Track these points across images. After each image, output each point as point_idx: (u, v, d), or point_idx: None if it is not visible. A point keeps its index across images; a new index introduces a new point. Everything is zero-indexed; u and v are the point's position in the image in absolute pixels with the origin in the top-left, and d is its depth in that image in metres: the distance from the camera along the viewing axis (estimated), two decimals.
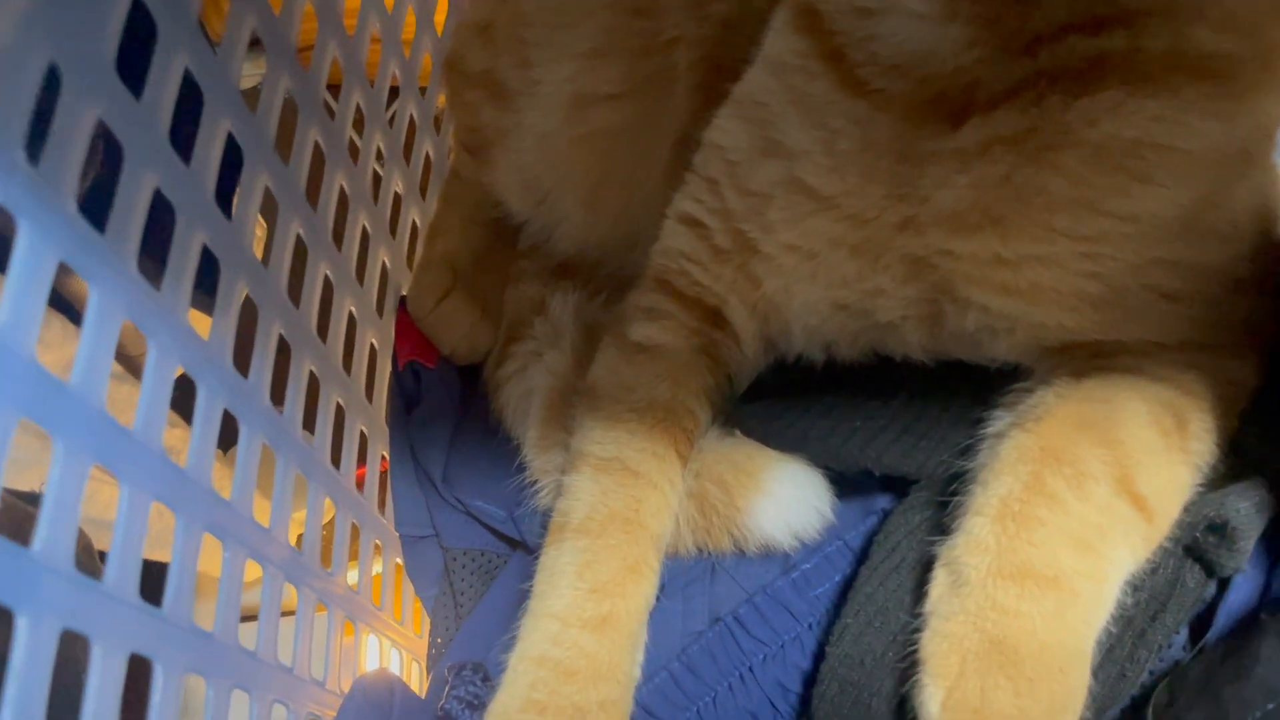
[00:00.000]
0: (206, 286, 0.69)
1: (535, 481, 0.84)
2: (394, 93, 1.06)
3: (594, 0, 0.88)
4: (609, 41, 0.87)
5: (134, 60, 0.61)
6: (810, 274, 0.70)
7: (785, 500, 0.77)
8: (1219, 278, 0.66)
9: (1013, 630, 0.60)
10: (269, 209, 0.80)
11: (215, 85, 0.69)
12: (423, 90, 1.12)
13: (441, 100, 1.17)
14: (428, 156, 1.14)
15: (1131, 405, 0.65)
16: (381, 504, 0.98)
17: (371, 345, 0.99)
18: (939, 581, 0.65)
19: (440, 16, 1.14)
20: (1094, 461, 0.62)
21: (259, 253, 0.76)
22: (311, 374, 0.84)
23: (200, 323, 0.67)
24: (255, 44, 0.77)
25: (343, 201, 0.92)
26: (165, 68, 0.62)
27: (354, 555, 0.92)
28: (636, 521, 0.72)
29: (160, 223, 0.63)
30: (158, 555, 0.64)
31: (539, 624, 0.70)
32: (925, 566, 0.70)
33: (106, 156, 0.61)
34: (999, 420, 0.69)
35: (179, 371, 0.65)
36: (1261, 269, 0.68)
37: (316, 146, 0.85)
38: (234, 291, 0.72)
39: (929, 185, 0.61)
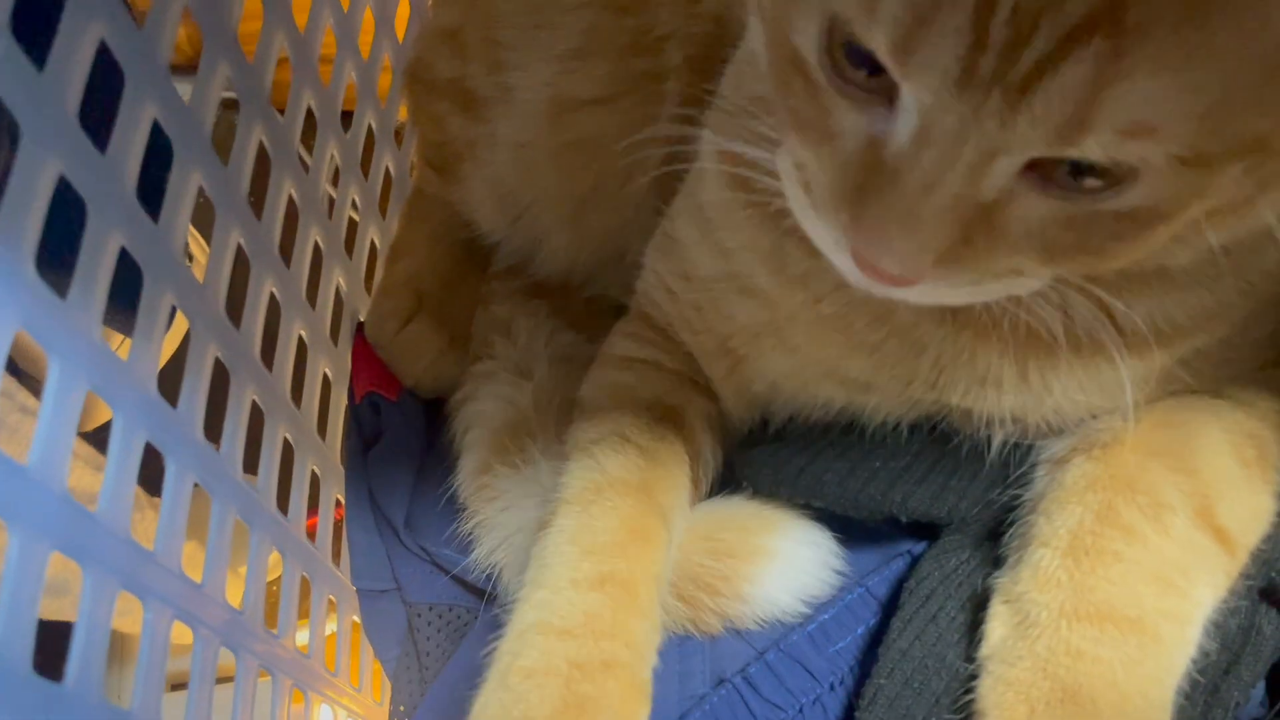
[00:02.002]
0: (125, 299, 0.59)
1: (474, 525, 0.77)
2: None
3: None
4: (593, 42, 0.81)
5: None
6: (804, 386, 0.68)
7: (796, 565, 0.70)
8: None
9: (1089, 677, 0.55)
10: (204, 216, 0.70)
11: (139, 62, 0.59)
12: (382, 99, 1.03)
13: (403, 113, 1.08)
14: (388, 171, 1.05)
15: (1209, 432, 0.60)
16: (336, 554, 0.88)
17: (325, 375, 0.89)
18: (1000, 620, 0.59)
19: (401, 21, 1.05)
20: (1171, 490, 0.58)
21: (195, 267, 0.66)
22: (254, 405, 0.74)
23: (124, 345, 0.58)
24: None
25: (291, 212, 0.83)
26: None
27: (304, 613, 0.82)
28: (639, 486, 0.65)
29: (65, 218, 0.53)
30: (62, 615, 0.55)
31: (528, 600, 0.61)
32: (967, 616, 0.64)
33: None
34: (1058, 444, 0.63)
35: (88, 394, 0.54)
36: None
37: (261, 148, 0.76)
38: (158, 304, 0.62)
39: (927, 367, 0.60)
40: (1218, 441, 0.60)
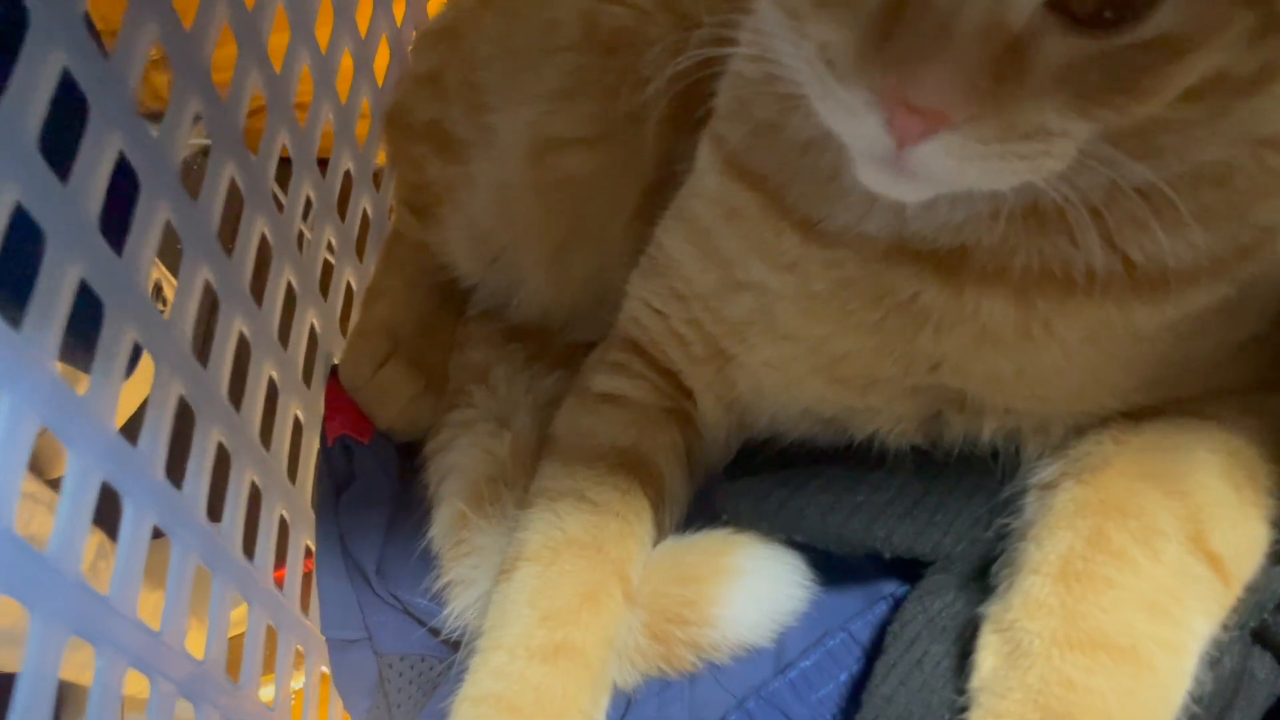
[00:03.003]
0: (83, 333, 0.57)
1: (447, 583, 0.75)
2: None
3: (560, 39, 0.83)
4: (577, 82, 0.82)
5: None
6: (788, 385, 0.68)
7: (762, 581, 0.70)
8: (1273, 311, 0.62)
9: (1082, 709, 0.54)
10: (172, 251, 0.68)
11: (104, 93, 0.58)
12: (360, 142, 1.02)
13: (381, 157, 1.07)
14: (365, 214, 1.04)
15: (1200, 454, 0.59)
16: (305, 602, 0.85)
17: (296, 417, 0.87)
18: (991, 650, 0.57)
19: (380, 64, 1.05)
20: (1163, 515, 0.57)
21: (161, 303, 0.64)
22: (221, 446, 0.72)
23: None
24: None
25: (265, 252, 0.81)
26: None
27: (270, 664, 0.78)
28: (594, 547, 0.67)
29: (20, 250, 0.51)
30: (11, 666, 0.52)
31: (483, 659, 0.64)
32: (952, 661, 0.62)
33: None
34: (1047, 469, 0.63)
35: (40, 429, 0.52)
36: None
37: (233, 185, 0.75)
38: (119, 340, 0.60)
39: (927, 338, 0.59)
40: (1208, 464, 0.59)
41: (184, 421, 0.68)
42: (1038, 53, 0.44)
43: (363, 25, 1.01)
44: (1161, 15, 0.42)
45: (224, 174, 0.73)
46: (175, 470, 0.67)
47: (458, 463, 0.81)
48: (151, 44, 0.64)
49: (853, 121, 0.47)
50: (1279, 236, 0.58)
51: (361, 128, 1.03)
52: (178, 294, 0.68)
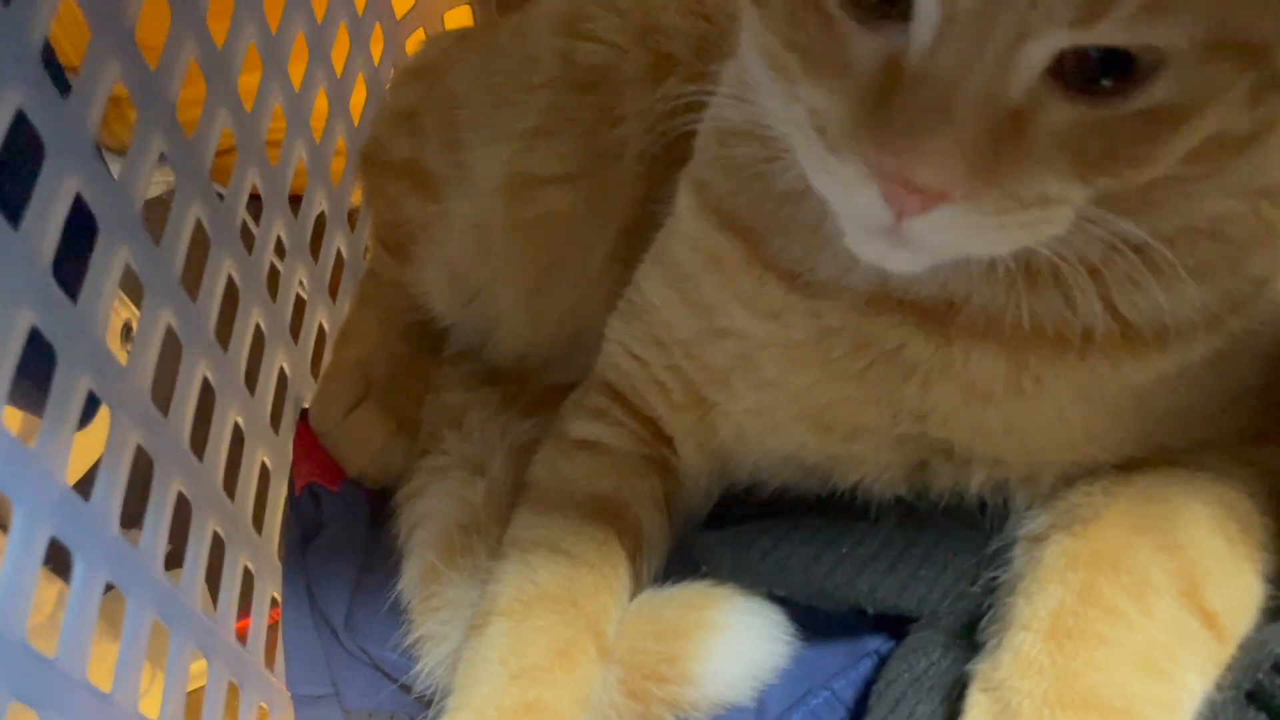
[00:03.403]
0: (35, 377, 0.55)
1: (418, 638, 0.73)
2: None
3: (537, 77, 0.82)
4: (554, 119, 0.81)
5: None
6: (772, 431, 0.67)
7: (743, 636, 0.67)
8: (1263, 361, 0.62)
9: None
10: (134, 292, 0.66)
11: (61, 132, 0.56)
12: (335, 180, 1.00)
13: (357, 195, 1.06)
14: (339, 253, 1.02)
15: (1193, 507, 0.58)
16: (270, 656, 0.82)
17: (263, 464, 0.85)
18: (979, 710, 0.55)
19: (356, 101, 1.04)
20: (1156, 569, 0.56)
21: (114, 342, 0.62)
22: (180, 496, 0.69)
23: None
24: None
25: (231, 293, 0.79)
26: None
27: None
28: (568, 600, 0.65)
29: None
30: None
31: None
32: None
33: None
34: (1036, 520, 0.61)
35: None
36: None
37: (199, 225, 0.73)
38: (72, 388, 0.58)
39: (914, 389, 0.59)
40: (1201, 516, 0.58)
41: (142, 470, 0.66)
42: (1038, 123, 0.43)
43: (338, 63, 0.99)
44: (1162, 84, 0.42)
45: (189, 214, 0.71)
46: (132, 522, 0.65)
47: (430, 511, 0.78)
48: (114, 82, 0.63)
49: (846, 193, 0.47)
50: (1270, 288, 0.58)
51: (336, 165, 1.01)
52: (137, 339, 0.66)
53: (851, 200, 0.47)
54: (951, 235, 0.45)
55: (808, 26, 0.47)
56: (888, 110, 0.43)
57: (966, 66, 0.41)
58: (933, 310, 0.56)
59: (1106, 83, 0.42)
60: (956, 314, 0.56)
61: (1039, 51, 0.41)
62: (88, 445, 0.64)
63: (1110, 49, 0.41)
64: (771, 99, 0.51)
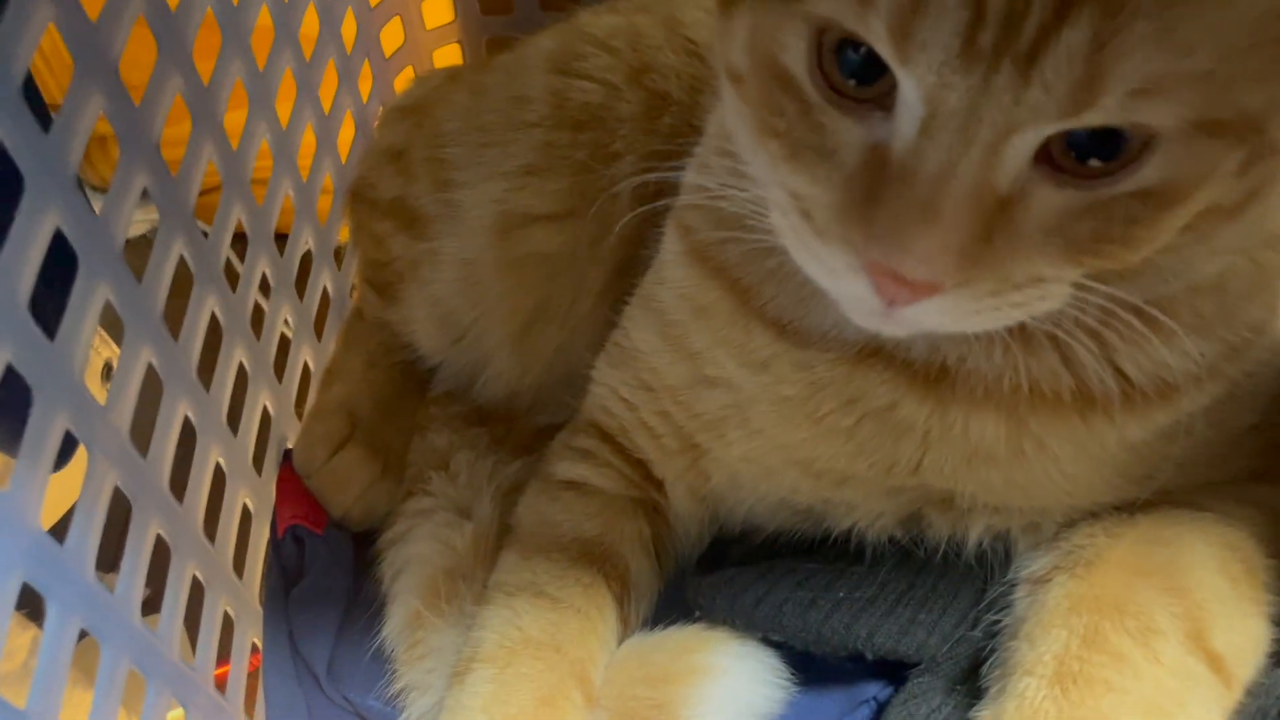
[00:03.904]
0: (10, 416, 0.54)
1: (402, 688, 0.71)
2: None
3: (529, 115, 0.82)
4: (545, 158, 0.81)
5: None
6: (765, 476, 0.66)
7: (736, 682, 0.66)
8: (1263, 401, 0.62)
9: None
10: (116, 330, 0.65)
11: (41, 167, 0.55)
12: (322, 218, 0.99)
13: (344, 233, 1.05)
14: (325, 292, 1.01)
15: (1197, 549, 0.58)
16: (250, 704, 0.80)
17: (245, 506, 0.83)
18: None
19: (344, 139, 1.03)
20: (1161, 612, 0.55)
21: (91, 381, 0.61)
22: (159, 539, 0.67)
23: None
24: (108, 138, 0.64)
25: (215, 331, 0.77)
26: None
27: None
28: (553, 646, 0.64)
29: None
30: None
31: None
32: None
33: None
34: (1038, 561, 0.61)
35: None
36: None
37: (181, 262, 0.71)
38: (48, 428, 0.56)
39: (910, 448, 0.58)
40: (1205, 559, 0.57)
41: (120, 512, 0.64)
42: (1027, 209, 0.43)
43: (326, 101, 0.99)
44: (1152, 165, 0.41)
45: (172, 252, 0.70)
46: (109, 566, 0.63)
47: (414, 555, 0.76)
48: (96, 117, 0.62)
49: (834, 280, 0.47)
50: (1266, 334, 0.58)
51: (323, 203, 1.00)
52: (116, 378, 0.64)
53: (840, 286, 0.47)
54: (945, 319, 0.45)
55: (787, 113, 0.46)
56: (876, 204, 0.43)
57: (954, 161, 0.41)
58: (925, 372, 0.56)
59: (1095, 163, 0.42)
60: (951, 379, 0.55)
61: (1026, 142, 0.41)
62: (66, 488, 0.62)
63: (1099, 129, 0.41)
64: (753, 173, 0.51)
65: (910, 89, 0.41)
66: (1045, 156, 0.42)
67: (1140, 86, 0.39)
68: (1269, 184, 0.46)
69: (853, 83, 0.43)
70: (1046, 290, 0.45)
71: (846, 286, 0.46)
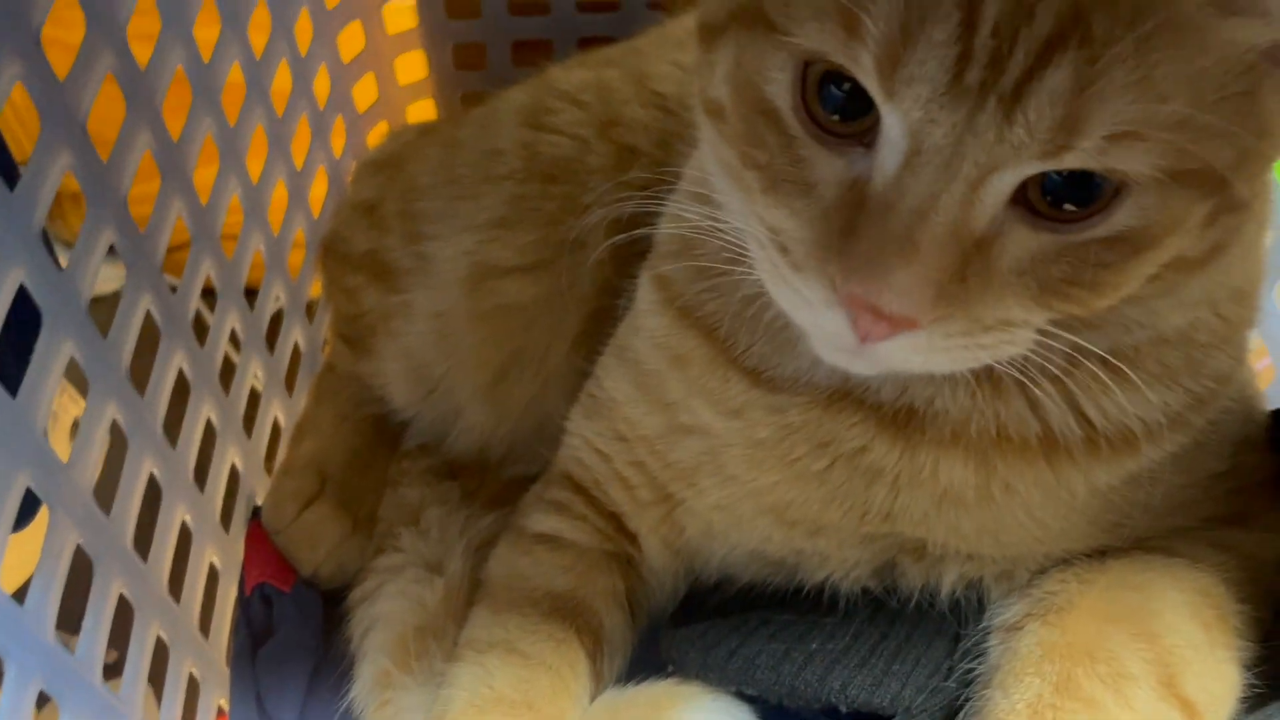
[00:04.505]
0: None
1: None
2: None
3: (500, 168, 0.83)
4: (517, 211, 0.81)
5: None
6: (737, 525, 0.66)
7: None
8: (1230, 447, 0.62)
9: None
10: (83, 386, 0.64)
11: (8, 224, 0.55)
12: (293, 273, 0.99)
13: (316, 287, 1.04)
14: (296, 346, 1.00)
15: (1168, 594, 0.58)
16: None
17: (211, 565, 0.81)
18: None
19: (317, 194, 1.03)
20: (1132, 658, 0.55)
21: (60, 438, 0.60)
22: (122, 598, 0.66)
23: None
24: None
25: (183, 387, 0.77)
26: None
27: None
28: (525, 704, 0.62)
29: None
30: None
31: None
32: None
33: None
34: (1010, 609, 0.61)
35: None
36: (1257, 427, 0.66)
37: (149, 317, 0.71)
38: (10, 483, 0.55)
39: (881, 494, 0.58)
40: (1177, 603, 0.57)
41: (82, 570, 0.63)
42: (1003, 249, 0.44)
43: (299, 156, 0.99)
44: (1124, 211, 0.43)
45: (138, 307, 0.70)
46: (70, 626, 0.61)
47: (384, 613, 0.75)
48: (64, 173, 0.62)
49: (810, 313, 0.47)
50: (1231, 383, 0.58)
51: (296, 257, 1.00)
52: (79, 434, 0.63)
53: (815, 320, 0.47)
54: (916, 357, 0.46)
55: (768, 145, 0.47)
56: (854, 238, 0.43)
57: (934, 198, 0.42)
58: (894, 415, 0.56)
59: (1070, 208, 0.43)
60: (921, 422, 0.56)
61: (1006, 181, 0.42)
62: (29, 552, 0.61)
63: (1075, 172, 0.42)
64: (730, 209, 0.51)
65: (895, 123, 0.42)
66: (1021, 199, 0.43)
67: (1118, 130, 0.40)
68: (1233, 238, 0.48)
69: (836, 118, 0.44)
70: (1014, 335, 0.46)
71: (822, 320, 0.46)
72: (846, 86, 0.44)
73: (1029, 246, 0.44)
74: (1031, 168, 0.41)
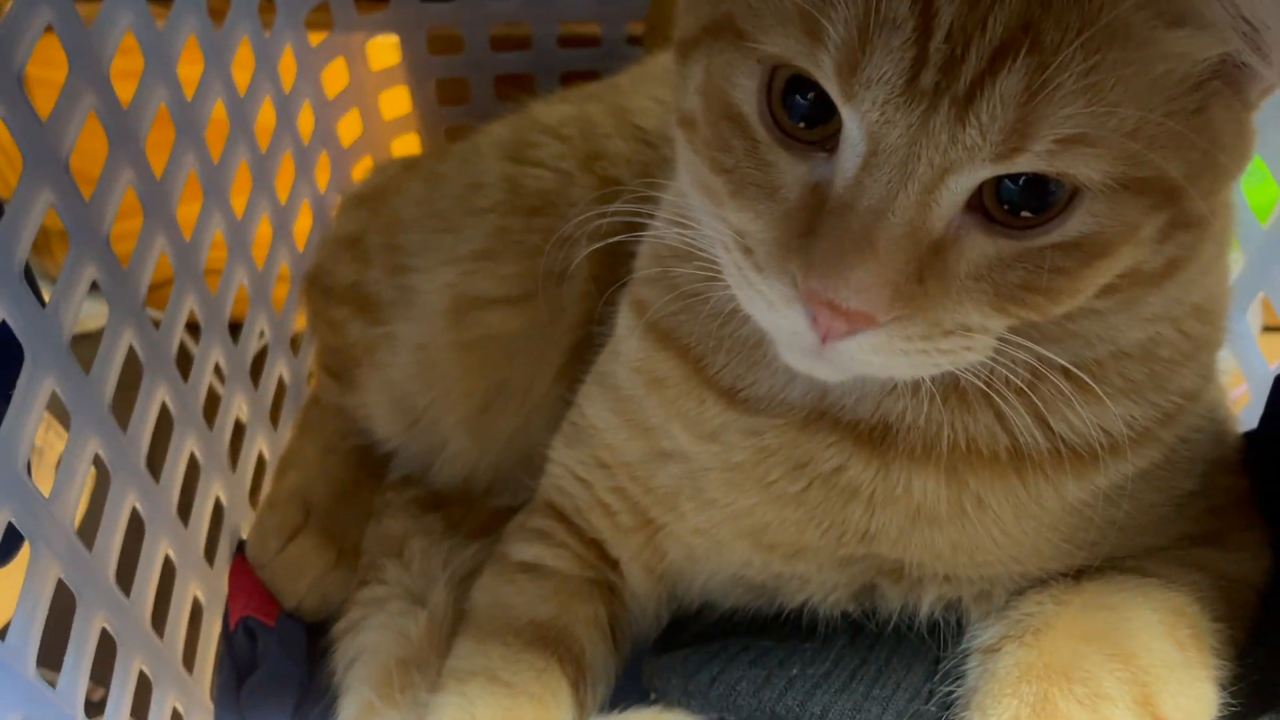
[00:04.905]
0: None
1: None
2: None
3: (483, 201, 0.84)
4: (499, 243, 0.83)
5: None
6: (717, 549, 0.66)
7: None
8: (1202, 467, 0.63)
9: None
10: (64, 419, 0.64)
11: None
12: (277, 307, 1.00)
13: (300, 322, 1.05)
14: (281, 380, 1.00)
15: (1143, 614, 0.58)
16: None
17: (196, 599, 0.81)
18: None
19: (301, 228, 1.04)
20: (1108, 678, 0.55)
21: (46, 474, 0.60)
22: (105, 633, 0.66)
23: None
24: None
25: (166, 421, 0.77)
26: None
27: None
28: None
29: None
30: None
31: None
32: None
33: None
34: (988, 631, 0.61)
35: None
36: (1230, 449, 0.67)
37: (131, 351, 0.71)
38: None
39: (858, 513, 0.59)
40: (1151, 623, 0.58)
41: (65, 605, 0.63)
42: (960, 254, 0.45)
43: (283, 191, 1.00)
44: (1077, 218, 0.44)
45: (120, 343, 0.70)
46: (51, 662, 0.61)
47: (367, 644, 0.75)
48: (46, 210, 0.62)
49: (772, 313, 0.48)
50: (1200, 400, 0.59)
51: (280, 291, 1.01)
52: (61, 470, 0.63)
53: (778, 319, 0.48)
54: (875, 358, 0.47)
55: (735, 150, 0.49)
56: (814, 237, 0.45)
57: (891, 196, 0.43)
58: (869, 433, 0.57)
59: (1026, 214, 0.44)
60: (894, 438, 0.57)
61: (961, 184, 0.43)
62: (11, 588, 0.61)
63: (1030, 177, 0.43)
64: (704, 215, 0.53)
65: (854, 125, 0.44)
66: (978, 206, 0.44)
67: (1068, 135, 0.41)
68: (1190, 255, 0.49)
69: (802, 126, 0.46)
70: (973, 340, 0.47)
71: (784, 320, 0.48)
72: (811, 95, 0.46)
73: (986, 251, 0.45)
74: (985, 170, 0.43)
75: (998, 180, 0.44)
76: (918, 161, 0.43)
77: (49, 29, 0.63)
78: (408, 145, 1.19)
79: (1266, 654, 0.61)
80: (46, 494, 0.61)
